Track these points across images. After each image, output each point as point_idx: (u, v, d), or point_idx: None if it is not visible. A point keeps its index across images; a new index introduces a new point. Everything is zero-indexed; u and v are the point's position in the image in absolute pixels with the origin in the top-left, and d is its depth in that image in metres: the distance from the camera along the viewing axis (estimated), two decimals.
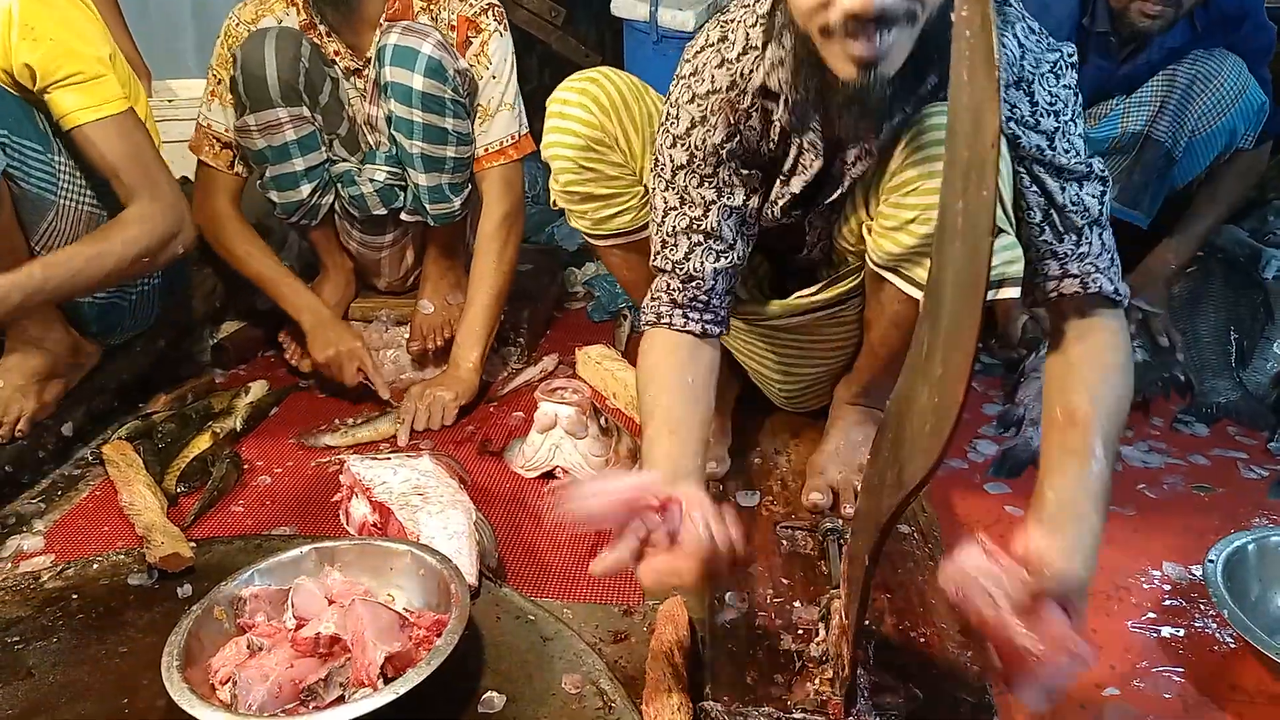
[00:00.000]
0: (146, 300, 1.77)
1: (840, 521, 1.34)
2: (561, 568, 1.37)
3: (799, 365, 1.56)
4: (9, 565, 1.37)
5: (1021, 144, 1.15)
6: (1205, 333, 2.02)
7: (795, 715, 1.00)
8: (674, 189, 1.29)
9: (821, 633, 1.10)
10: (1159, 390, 1.91)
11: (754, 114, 1.24)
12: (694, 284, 1.28)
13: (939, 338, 0.79)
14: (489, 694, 1.06)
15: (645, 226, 1.42)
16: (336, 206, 1.98)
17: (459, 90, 1.78)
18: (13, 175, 1.46)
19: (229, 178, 1.91)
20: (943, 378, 0.74)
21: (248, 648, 1.04)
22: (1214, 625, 1.28)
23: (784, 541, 1.32)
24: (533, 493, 1.57)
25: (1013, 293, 1.16)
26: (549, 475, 1.59)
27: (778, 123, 1.23)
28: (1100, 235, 1.18)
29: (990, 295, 1.12)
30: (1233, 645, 1.24)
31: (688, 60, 1.28)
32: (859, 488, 1.38)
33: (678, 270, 1.29)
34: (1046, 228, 1.18)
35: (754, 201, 1.30)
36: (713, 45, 1.25)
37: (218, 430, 1.71)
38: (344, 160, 1.91)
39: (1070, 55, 1.19)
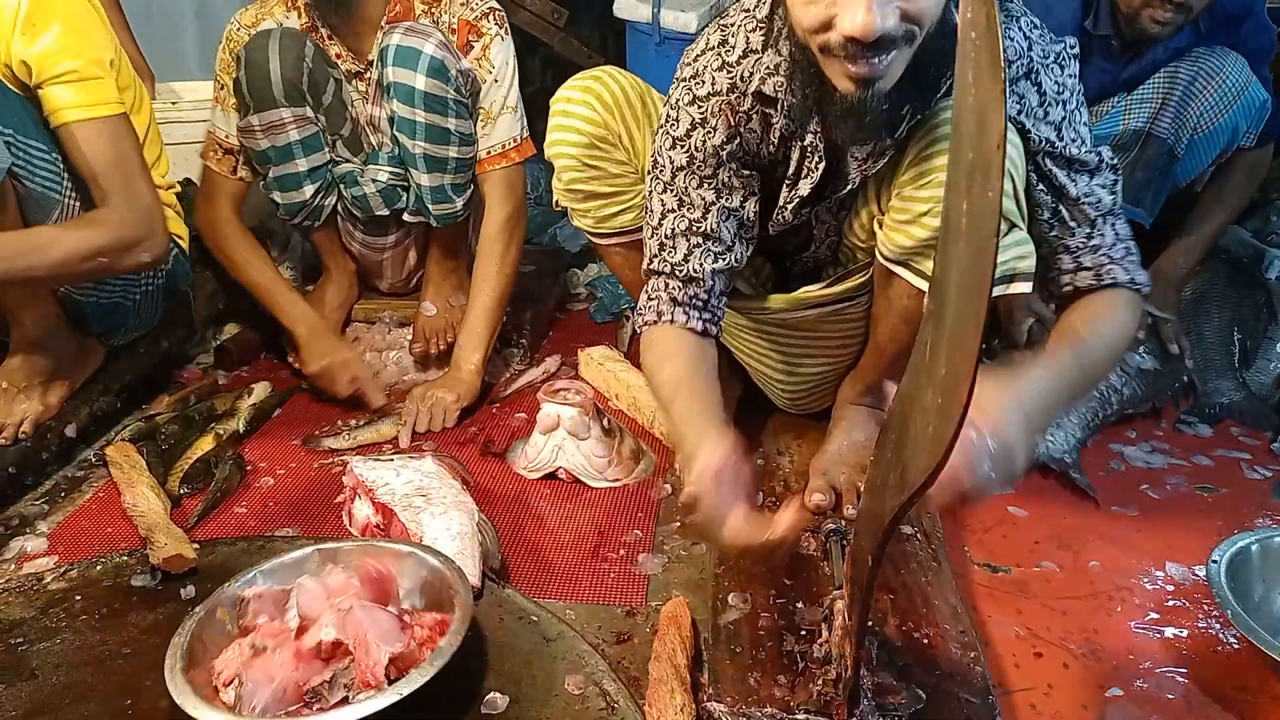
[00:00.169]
0: (150, 301, 1.77)
1: (843, 522, 1.33)
2: (564, 569, 1.37)
3: (803, 365, 1.56)
4: (12, 566, 1.37)
5: (1031, 135, 1.15)
6: (1209, 333, 2.01)
7: (798, 716, 1.00)
8: (673, 191, 1.29)
9: (824, 633, 1.09)
10: (1169, 399, 1.89)
11: (754, 116, 1.25)
12: (694, 284, 1.28)
13: (943, 338, 0.78)
14: (492, 695, 1.06)
15: None
16: (339, 208, 1.98)
17: (461, 90, 1.78)
18: (17, 174, 1.45)
19: (231, 182, 1.91)
20: (946, 379, 0.74)
21: (251, 649, 1.04)
22: (1217, 626, 1.27)
23: None
24: (535, 494, 1.57)
25: (1024, 288, 1.17)
26: (551, 476, 1.59)
27: (777, 128, 1.23)
28: (1114, 226, 1.18)
29: (1002, 290, 1.13)
30: (1236, 646, 1.24)
31: (688, 64, 1.28)
32: (862, 488, 1.38)
33: (677, 272, 1.29)
34: (1057, 222, 1.18)
35: (752, 205, 1.30)
36: (713, 49, 1.26)
37: (221, 432, 1.71)
38: (347, 161, 1.91)
39: (1072, 47, 1.19)
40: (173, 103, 2.46)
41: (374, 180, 1.89)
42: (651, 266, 1.32)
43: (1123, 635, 1.26)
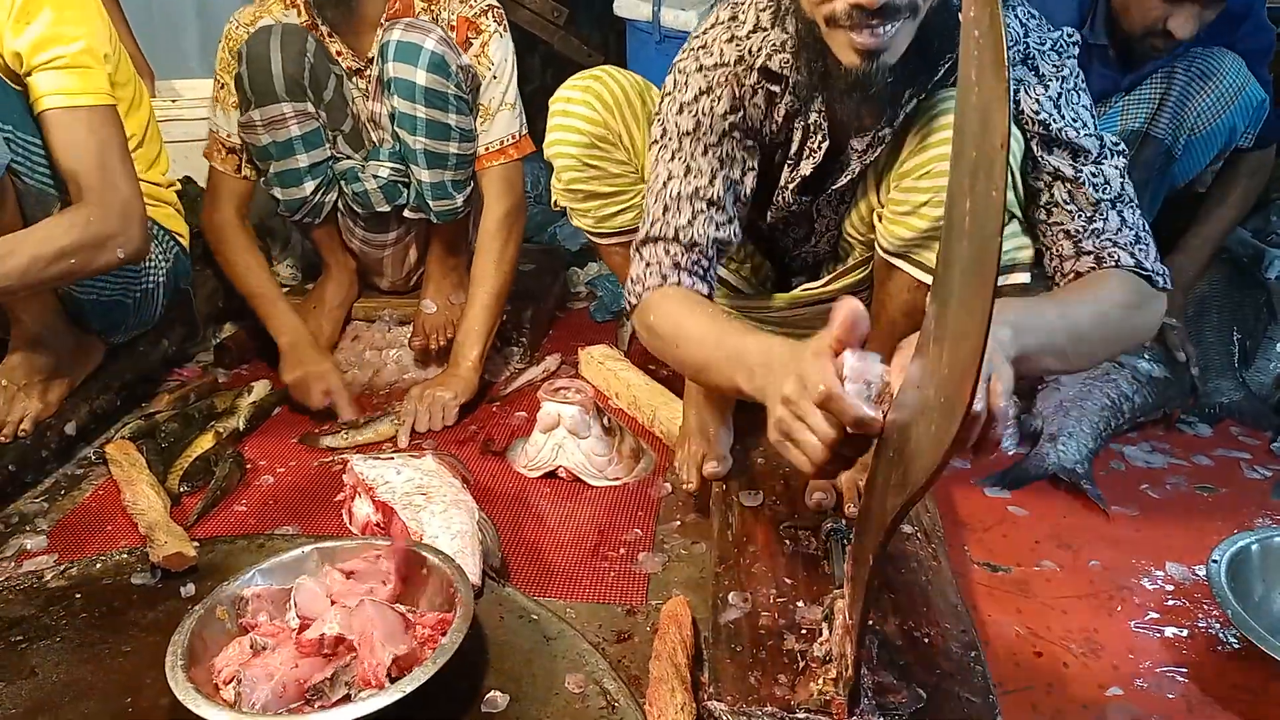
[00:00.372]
0: (150, 299, 1.76)
1: (844, 521, 1.33)
2: (564, 567, 1.37)
3: None
4: (12, 564, 1.37)
5: (1025, 115, 1.15)
6: (1209, 333, 2.01)
7: (799, 715, 1.00)
8: (679, 157, 1.27)
9: (825, 632, 1.09)
10: (1180, 405, 1.88)
11: (759, 92, 1.25)
12: (696, 250, 1.26)
13: (945, 336, 0.78)
14: (492, 693, 1.06)
15: None
16: (340, 205, 1.98)
17: (462, 86, 1.78)
18: (17, 170, 1.44)
19: (235, 182, 1.91)
20: (948, 377, 0.74)
21: (250, 647, 1.04)
22: (1217, 625, 1.28)
23: (787, 541, 1.32)
24: (535, 492, 1.57)
25: (1023, 278, 1.16)
26: (552, 475, 1.59)
27: (781, 105, 1.23)
28: (1121, 213, 1.16)
29: (1000, 280, 1.12)
30: (1236, 645, 1.24)
31: (697, 35, 1.29)
32: (863, 487, 1.38)
33: (681, 236, 1.26)
34: (1054, 208, 1.16)
35: (751, 180, 1.29)
36: (723, 23, 1.27)
37: (221, 430, 1.71)
38: (348, 157, 1.91)
39: (1070, 35, 1.19)
40: (172, 100, 2.47)
41: (375, 176, 1.89)
42: (651, 233, 1.28)
43: (1123, 635, 1.26)
